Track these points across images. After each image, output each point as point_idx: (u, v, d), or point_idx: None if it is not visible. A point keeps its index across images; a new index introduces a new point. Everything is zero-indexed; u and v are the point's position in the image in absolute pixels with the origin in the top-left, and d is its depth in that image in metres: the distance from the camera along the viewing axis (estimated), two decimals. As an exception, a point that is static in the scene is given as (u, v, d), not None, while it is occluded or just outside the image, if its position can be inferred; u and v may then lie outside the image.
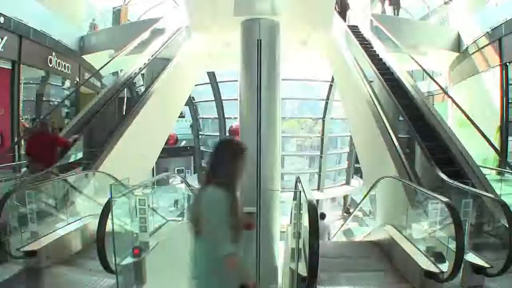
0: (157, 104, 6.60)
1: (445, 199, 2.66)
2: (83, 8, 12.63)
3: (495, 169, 6.01)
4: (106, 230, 2.58)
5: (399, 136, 4.88)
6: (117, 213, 2.55)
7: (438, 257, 2.77)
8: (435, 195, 2.88)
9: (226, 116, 16.56)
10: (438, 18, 12.69)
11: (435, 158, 4.19)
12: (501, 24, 8.15)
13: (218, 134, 17.04)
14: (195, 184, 17.94)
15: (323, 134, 16.26)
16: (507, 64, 8.16)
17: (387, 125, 5.09)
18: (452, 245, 2.52)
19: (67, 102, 10.87)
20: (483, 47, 9.01)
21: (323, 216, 6.14)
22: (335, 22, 7.86)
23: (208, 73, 15.21)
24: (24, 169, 4.84)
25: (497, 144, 7.76)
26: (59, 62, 9.49)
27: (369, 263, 3.63)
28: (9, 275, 2.90)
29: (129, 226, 2.84)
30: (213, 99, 16.45)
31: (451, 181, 3.58)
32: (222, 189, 1.64)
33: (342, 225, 9.58)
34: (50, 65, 9.18)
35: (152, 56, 7.38)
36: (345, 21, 8.95)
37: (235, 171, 1.72)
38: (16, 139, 7.79)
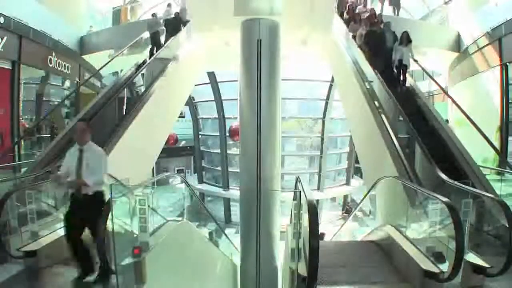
0: (157, 104, 6.60)
1: (445, 199, 2.66)
2: (83, 8, 12.64)
3: (495, 169, 6.00)
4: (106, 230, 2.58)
5: (399, 136, 4.88)
6: (117, 213, 2.55)
7: (438, 257, 2.76)
8: (435, 195, 2.88)
9: (226, 116, 16.57)
10: (438, 18, 12.67)
11: (435, 157, 4.20)
12: (501, 24, 8.15)
13: (218, 134, 17.05)
14: (195, 184, 18.00)
15: (323, 134, 16.26)
16: (507, 64, 8.16)
17: (387, 125, 5.09)
18: (452, 245, 2.52)
19: (67, 102, 10.87)
20: (483, 47, 9.00)
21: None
22: (335, 22, 7.87)
23: (208, 73, 15.21)
24: (24, 169, 4.82)
25: (497, 144, 7.75)
26: (59, 62, 9.49)
27: (369, 263, 3.63)
28: (9, 275, 2.90)
29: (129, 226, 2.84)
30: (213, 99, 16.46)
31: (451, 181, 3.58)
32: None
33: (342, 225, 9.57)
34: (50, 65, 9.18)
35: (152, 56, 7.38)
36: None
37: None
38: (16, 139, 7.79)
